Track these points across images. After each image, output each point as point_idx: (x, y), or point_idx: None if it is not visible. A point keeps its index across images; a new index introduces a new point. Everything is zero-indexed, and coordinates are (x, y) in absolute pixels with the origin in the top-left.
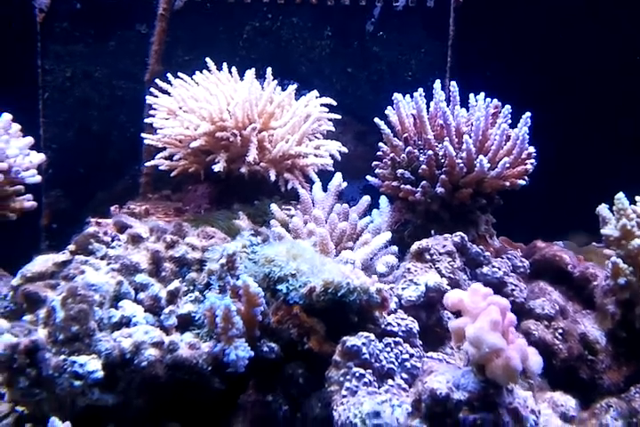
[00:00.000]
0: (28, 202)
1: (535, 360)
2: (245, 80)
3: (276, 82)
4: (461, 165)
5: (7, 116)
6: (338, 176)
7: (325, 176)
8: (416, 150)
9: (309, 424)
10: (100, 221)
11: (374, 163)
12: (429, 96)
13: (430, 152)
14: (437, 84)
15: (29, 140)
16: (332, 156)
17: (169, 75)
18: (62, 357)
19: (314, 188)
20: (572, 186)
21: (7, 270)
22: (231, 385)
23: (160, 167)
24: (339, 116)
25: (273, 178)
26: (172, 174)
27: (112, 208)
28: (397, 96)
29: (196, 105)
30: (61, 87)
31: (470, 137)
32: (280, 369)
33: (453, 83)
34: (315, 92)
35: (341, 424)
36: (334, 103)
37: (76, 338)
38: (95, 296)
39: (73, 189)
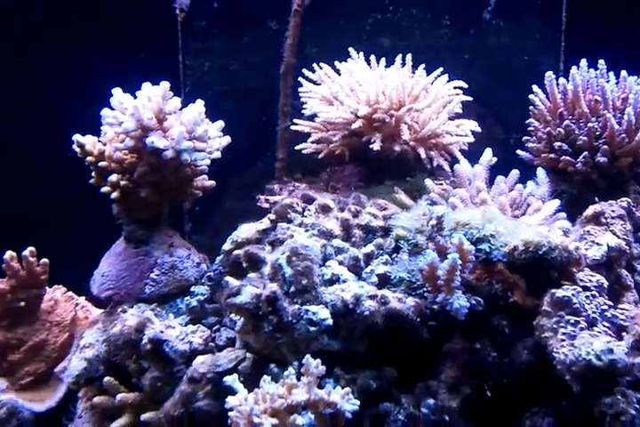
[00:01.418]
0: (207, 181)
1: None
2: (393, 67)
3: (423, 67)
4: (623, 135)
5: (200, 105)
6: (488, 151)
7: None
8: (572, 124)
9: (517, 368)
10: (267, 198)
11: (524, 138)
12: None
13: (590, 124)
14: (583, 62)
15: (221, 123)
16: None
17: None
18: (296, 306)
19: (463, 164)
20: None
21: None
22: (435, 336)
23: (304, 151)
24: (470, 98)
25: (423, 155)
26: (319, 156)
27: (275, 186)
28: (550, 74)
29: (356, 90)
30: (200, 81)
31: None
32: (484, 321)
33: (601, 61)
34: (445, 76)
35: (570, 362)
36: (465, 86)
37: (305, 290)
38: (312, 255)
39: (211, 175)
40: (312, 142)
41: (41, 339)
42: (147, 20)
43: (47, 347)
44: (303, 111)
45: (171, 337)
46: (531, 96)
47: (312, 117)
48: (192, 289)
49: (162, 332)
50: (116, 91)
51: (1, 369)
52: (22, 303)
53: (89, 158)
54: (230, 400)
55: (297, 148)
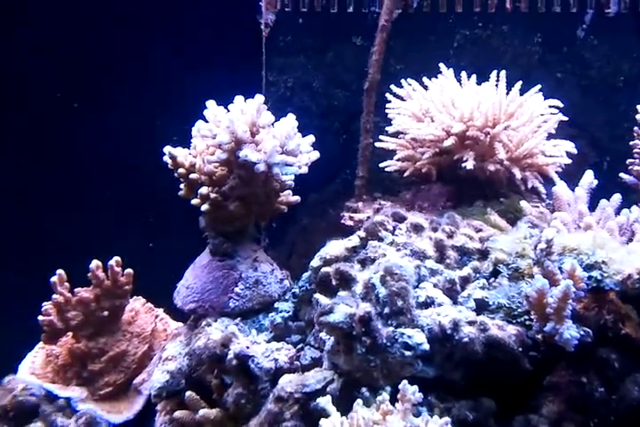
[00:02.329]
0: (292, 197)
1: None
2: (485, 84)
3: (519, 84)
4: None
5: (292, 119)
6: (589, 173)
7: None
8: None
9: (627, 405)
10: (352, 215)
11: (628, 161)
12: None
13: None
14: None
15: (312, 138)
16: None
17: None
18: (390, 329)
19: (561, 186)
20: None
21: None
22: (537, 367)
23: (388, 169)
24: (566, 118)
25: (518, 176)
26: (405, 175)
27: (359, 204)
28: None
29: (448, 106)
30: (282, 97)
31: None
32: (592, 353)
33: None
34: (540, 95)
35: None
36: (561, 105)
37: (400, 312)
38: (407, 276)
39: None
40: (397, 160)
41: (122, 349)
42: (232, 35)
43: (127, 358)
44: (387, 128)
45: (256, 353)
46: (638, 116)
47: (395, 135)
48: (276, 305)
49: (247, 348)
50: (210, 103)
51: (81, 378)
52: (105, 313)
53: (180, 170)
54: (324, 424)
55: (381, 165)
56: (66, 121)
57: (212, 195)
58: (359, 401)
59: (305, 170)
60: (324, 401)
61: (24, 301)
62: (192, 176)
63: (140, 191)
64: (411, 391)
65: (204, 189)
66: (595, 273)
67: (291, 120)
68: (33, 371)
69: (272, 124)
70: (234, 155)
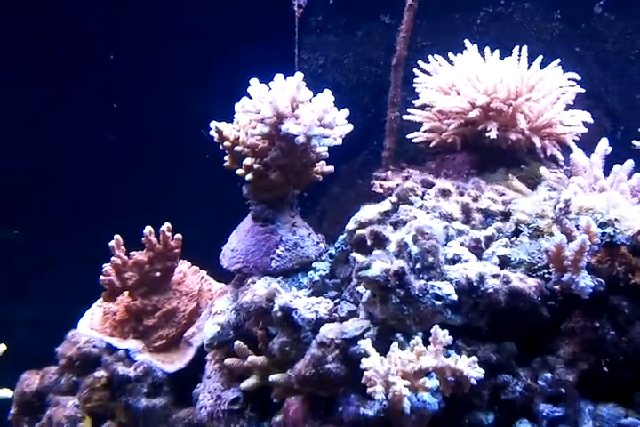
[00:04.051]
0: (327, 167)
1: None
2: (508, 58)
3: (540, 58)
4: None
5: (328, 94)
6: (604, 141)
7: None
8: None
9: (636, 347)
10: (382, 183)
11: None
12: None
13: None
14: None
15: (347, 112)
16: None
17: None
18: (422, 282)
19: (578, 153)
20: None
21: None
22: (554, 315)
23: (415, 140)
24: (583, 90)
25: (538, 145)
26: (431, 145)
27: (388, 173)
28: None
29: (473, 80)
30: (314, 74)
31: None
32: (605, 301)
33: None
34: (560, 68)
35: None
36: (579, 78)
37: (430, 267)
38: (436, 235)
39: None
40: (424, 131)
41: (173, 306)
42: (267, 17)
43: (178, 314)
44: (414, 102)
45: (299, 306)
46: None
47: (421, 108)
48: (313, 265)
49: (291, 301)
50: (254, 81)
51: (137, 332)
52: (158, 274)
53: (225, 143)
54: (365, 362)
55: (409, 136)
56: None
57: (255, 165)
58: (395, 344)
59: (339, 141)
60: (365, 343)
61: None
62: (236, 148)
63: (188, 166)
64: (442, 335)
65: (247, 161)
66: (608, 229)
67: (327, 95)
68: (92, 327)
69: (309, 99)
70: (275, 128)
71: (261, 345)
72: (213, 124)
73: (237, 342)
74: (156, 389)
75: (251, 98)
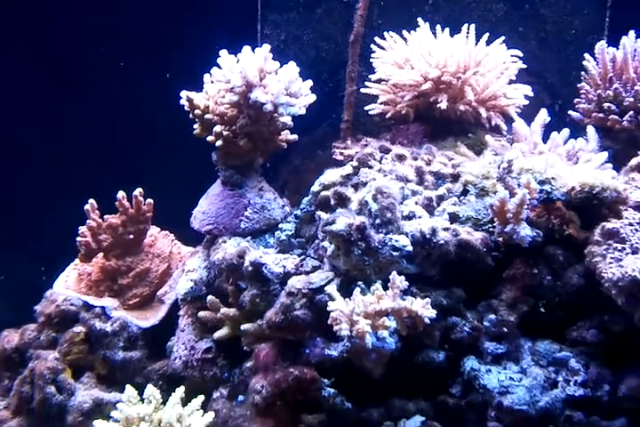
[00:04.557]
0: (291, 135)
1: None
2: (457, 35)
3: (486, 36)
4: None
5: (294, 66)
6: (543, 111)
7: None
8: (620, 87)
9: (569, 290)
10: (342, 151)
11: (576, 100)
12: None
13: (637, 87)
14: (632, 33)
15: (310, 83)
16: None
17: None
18: (381, 235)
19: (519, 123)
20: None
21: None
22: (498, 264)
23: (372, 112)
24: (525, 66)
25: (484, 115)
26: (387, 116)
27: (347, 142)
28: (602, 43)
29: (425, 55)
30: (277, 50)
31: None
32: (542, 250)
33: None
34: (504, 45)
35: (617, 279)
36: (521, 55)
37: (388, 222)
38: (394, 194)
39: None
40: (380, 103)
41: (145, 267)
42: None
43: (150, 274)
44: (370, 76)
45: (268, 261)
46: (584, 62)
47: (377, 82)
48: (280, 226)
49: (260, 257)
50: (223, 52)
51: (112, 291)
52: (131, 236)
53: (196, 111)
54: (332, 304)
55: (366, 108)
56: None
57: (225, 132)
58: (358, 289)
59: (303, 111)
60: (331, 289)
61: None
62: (207, 116)
63: (157, 135)
64: (399, 280)
65: (217, 128)
66: (545, 187)
67: (293, 67)
68: (67, 287)
69: (276, 70)
70: (245, 97)
71: (232, 300)
72: (184, 93)
73: (210, 297)
74: (131, 343)
75: (220, 68)
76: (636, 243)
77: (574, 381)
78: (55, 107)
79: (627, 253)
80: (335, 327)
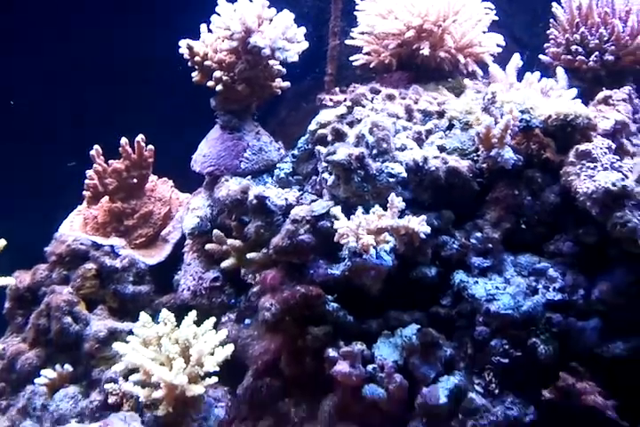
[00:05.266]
0: (284, 82)
1: None
2: None
3: None
4: (627, 38)
5: (288, 12)
6: (517, 56)
7: None
8: (586, 31)
9: (546, 208)
10: (332, 98)
11: (546, 45)
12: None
13: (601, 30)
14: None
15: (304, 29)
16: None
17: None
18: (378, 164)
19: (495, 67)
20: None
21: None
22: (483, 189)
23: (356, 62)
24: (496, 18)
25: (463, 61)
26: (371, 66)
27: (335, 89)
28: None
29: (407, 6)
30: None
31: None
32: (522, 174)
33: None
34: None
35: (592, 192)
36: (493, 7)
37: (384, 152)
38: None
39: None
40: (365, 54)
41: (149, 209)
42: None
43: (154, 216)
44: (354, 29)
45: (270, 195)
46: (553, 10)
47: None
48: (278, 166)
49: (264, 191)
50: (221, 1)
51: (119, 232)
52: (134, 180)
53: (196, 58)
54: (337, 223)
55: (351, 58)
56: None
57: (224, 77)
58: (360, 209)
59: (297, 58)
60: (336, 210)
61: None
62: (206, 63)
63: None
64: (397, 201)
65: (217, 73)
66: (525, 116)
67: (288, 14)
68: (73, 231)
69: (272, 18)
70: (244, 42)
71: (236, 234)
72: (184, 41)
73: (216, 231)
74: (140, 278)
75: (219, 16)
76: (606, 163)
77: (553, 287)
78: (54, 54)
79: (598, 171)
80: (342, 241)
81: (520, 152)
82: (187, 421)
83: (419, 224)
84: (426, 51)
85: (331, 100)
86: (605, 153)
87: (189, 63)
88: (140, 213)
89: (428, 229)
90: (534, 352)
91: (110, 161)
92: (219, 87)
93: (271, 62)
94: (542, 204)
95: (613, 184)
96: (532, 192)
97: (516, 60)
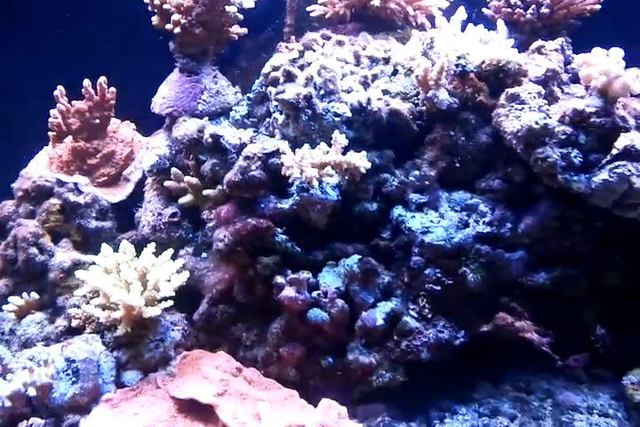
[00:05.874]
0: (240, 29)
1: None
2: None
3: None
4: None
5: None
6: (462, 8)
7: None
8: None
9: (479, 148)
10: (287, 45)
11: None
12: None
13: None
14: None
15: None
16: None
17: None
18: (325, 103)
19: (441, 18)
20: None
21: None
22: (421, 131)
23: (313, 14)
24: None
25: (412, 13)
26: (326, 16)
27: (291, 38)
28: None
29: None
30: None
31: None
32: (458, 116)
33: None
34: None
35: (517, 130)
36: None
37: (331, 93)
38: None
39: None
40: (320, 4)
41: (111, 150)
42: None
43: (116, 156)
44: None
45: (225, 134)
46: None
47: None
48: (234, 108)
49: (219, 130)
50: None
51: (82, 170)
52: (97, 121)
53: (155, 2)
54: (284, 158)
55: (308, 9)
56: None
57: (182, 20)
58: (306, 145)
59: (252, 4)
60: (283, 146)
61: None
62: (165, 6)
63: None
64: (340, 138)
65: (175, 16)
66: (461, 61)
67: None
68: (39, 169)
69: None
70: None
71: (193, 173)
72: None
73: (174, 169)
74: (102, 214)
75: None
76: (534, 107)
77: (482, 221)
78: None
79: (525, 112)
80: (287, 173)
81: (456, 96)
82: (144, 341)
83: (360, 159)
84: (376, 2)
85: (286, 47)
86: (534, 97)
87: (149, 7)
88: (102, 153)
89: (369, 165)
90: (464, 280)
91: (73, 102)
92: (177, 30)
93: (228, 8)
94: (475, 144)
95: (536, 122)
96: (467, 133)
97: (461, 13)
